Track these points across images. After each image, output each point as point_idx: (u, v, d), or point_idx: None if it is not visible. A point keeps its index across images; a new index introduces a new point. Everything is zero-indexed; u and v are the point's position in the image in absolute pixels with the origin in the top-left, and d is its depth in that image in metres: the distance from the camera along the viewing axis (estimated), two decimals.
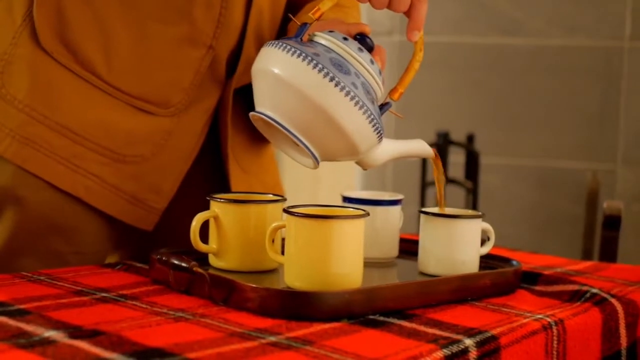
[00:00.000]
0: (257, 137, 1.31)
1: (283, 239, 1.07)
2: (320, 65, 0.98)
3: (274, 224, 1.03)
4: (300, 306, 0.93)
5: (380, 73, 1.06)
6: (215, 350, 0.80)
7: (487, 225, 1.15)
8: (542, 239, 3.03)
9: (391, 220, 1.20)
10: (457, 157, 2.92)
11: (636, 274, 1.25)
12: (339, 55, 1.02)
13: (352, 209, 1.04)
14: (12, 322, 0.86)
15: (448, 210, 1.14)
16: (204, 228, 1.09)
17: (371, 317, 0.95)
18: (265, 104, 1.02)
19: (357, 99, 0.99)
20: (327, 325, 0.91)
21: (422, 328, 0.91)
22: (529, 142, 3.05)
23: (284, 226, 1.02)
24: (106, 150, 1.18)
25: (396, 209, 1.21)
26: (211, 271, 1.02)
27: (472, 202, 2.83)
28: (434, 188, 2.97)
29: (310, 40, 1.05)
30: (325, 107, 0.98)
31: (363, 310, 0.95)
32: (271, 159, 1.41)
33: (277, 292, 0.95)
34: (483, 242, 1.16)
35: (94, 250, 1.23)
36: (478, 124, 3.04)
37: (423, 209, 1.14)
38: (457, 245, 1.11)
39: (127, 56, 1.18)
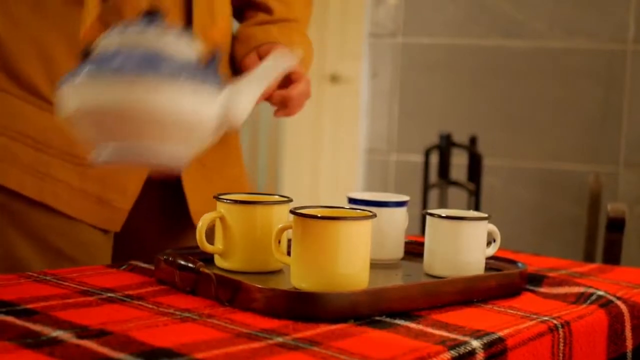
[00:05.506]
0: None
1: (289, 240, 1.07)
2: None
3: (280, 225, 1.03)
4: (306, 307, 0.93)
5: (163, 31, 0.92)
6: (223, 350, 0.80)
7: (492, 227, 1.15)
8: (544, 241, 3.03)
9: (397, 221, 1.20)
10: (459, 159, 2.92)
11: None
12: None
13: (358, 211, 1.04)
14: (19, 322, 0.86)
15: (453, 212, 1.14)
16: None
17: (377, 318, 0.95)
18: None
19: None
20: (333, 326, 0.91)
21: (428, 329, 0.91)
22: (532, 144, 3.05)
23: (290, 227, 1.02)
24: (68, 155, 1.20)
25: (402, 210, 1.21)
26: (217, 272, 1.02)
27: (475, 204, 2.83)
28: (437, 190, 2.96)
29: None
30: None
31: (369, 311, 0.95)
32: (237, 151, 1.42)
33: (283, 292, 0.95)
34: (489, 244, 1.16)
35: (91, 240, 1.25)
36: (480, 126, 3.04)
37: (429, 211, 1.14)
38: (463, 247, 1.11)
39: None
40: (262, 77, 0.92)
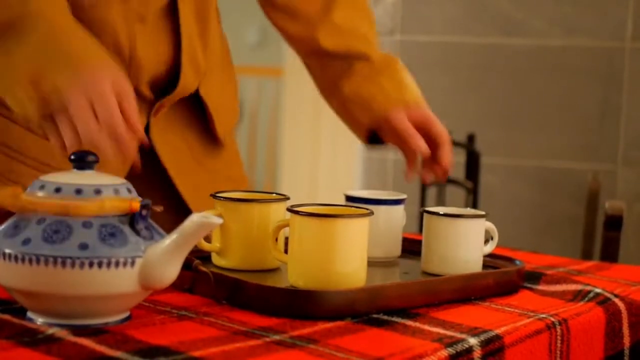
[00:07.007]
0: (210, 134, 1.32)
1: (286, 238, 1.07)
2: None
3: (277, 223, 1.03)
4: (304, 305, 0.93)
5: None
6: (220, 348, 0.80)
7: (490, 225, 1.15)
8: (542, 239, 3.03)
9: (394, 219, 1.20)
10: (457, 157, 2.90)
11: (638, 274, 1.25)
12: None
13: (356, 208, 1.04)
14: (15, 320, 0.86)
15: (451, 210, 1.14)
16: None
17: (375, 316, 0.95)
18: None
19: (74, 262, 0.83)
20: (331, 324, 0.91)
21: (426, 327, 0.91)
22: (530, 142, 3.05)
23: (287, 225, 1.02)
24: (44, 165, 1.16)
25: (399, 208, 1.21)
26: (214, 270, 1.02)
27: (473, 202, 2.83)
28: (434, 188, 2.95)
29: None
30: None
31: (367, 309, 0.95)
32: (236, 153, 1.41)
33: (280, 290, 0.95)
34: (486, 242, 1.16)
35: None
36: (479, 124, 3.03)
37: (427, 209, 1.14)
38: (461, 244, 1.11)
39: None
40: (184, 243, 0.87)
